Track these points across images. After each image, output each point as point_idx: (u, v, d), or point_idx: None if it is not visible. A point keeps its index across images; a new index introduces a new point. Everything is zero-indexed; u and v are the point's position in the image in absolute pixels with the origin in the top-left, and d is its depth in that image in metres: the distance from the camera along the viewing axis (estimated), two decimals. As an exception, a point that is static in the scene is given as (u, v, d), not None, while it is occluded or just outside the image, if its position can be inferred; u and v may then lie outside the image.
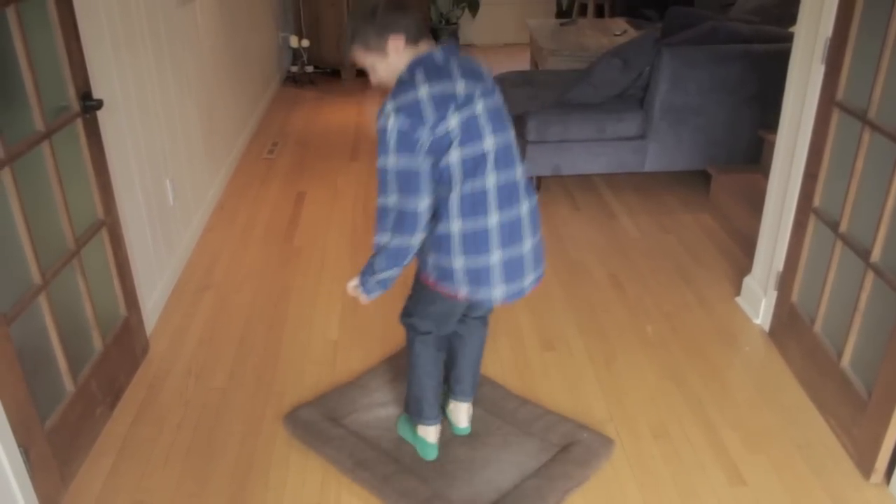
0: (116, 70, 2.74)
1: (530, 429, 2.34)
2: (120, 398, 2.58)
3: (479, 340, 2.25)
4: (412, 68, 1.77)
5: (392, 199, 1.77)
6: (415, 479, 2.16)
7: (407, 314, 2.16)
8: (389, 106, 1.72)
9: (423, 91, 1.72)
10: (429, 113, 1.71)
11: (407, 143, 1.71)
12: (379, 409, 2.49)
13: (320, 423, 2.40)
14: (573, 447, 2.25)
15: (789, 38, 2.73)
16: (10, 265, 2.01)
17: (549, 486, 2.12)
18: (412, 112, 1.70)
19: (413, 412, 2.27)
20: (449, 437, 2.35)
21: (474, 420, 2.38)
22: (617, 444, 2.34)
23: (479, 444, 2.32)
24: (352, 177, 4.49)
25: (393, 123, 1.71)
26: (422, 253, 1.93)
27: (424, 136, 1.71)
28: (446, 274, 1.91)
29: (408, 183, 1.75)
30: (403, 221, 1.78)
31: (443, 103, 1.72)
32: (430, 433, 2.25)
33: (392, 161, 1.74)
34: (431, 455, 2.26)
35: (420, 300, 2.10)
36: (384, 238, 1.83)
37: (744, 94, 3.90)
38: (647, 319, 3.01)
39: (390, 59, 1.79)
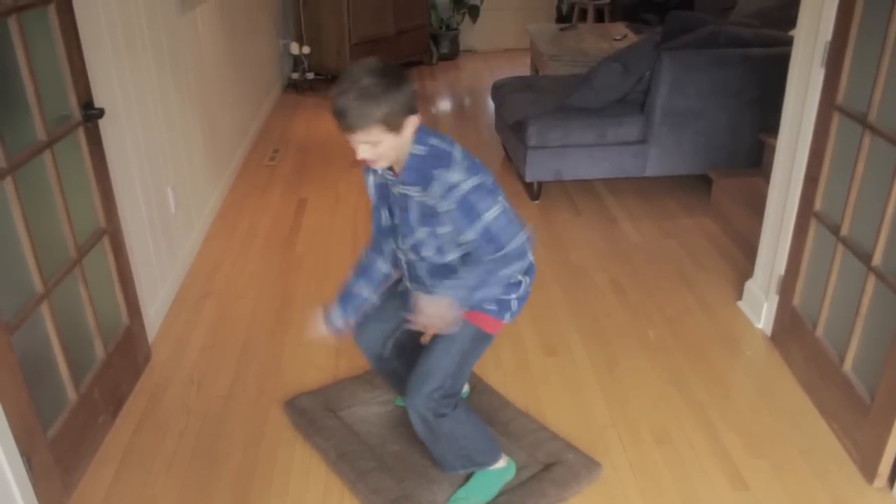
0: (118, 78, 2.75)
1: (520, 443, 2.32)
2: (122, 406, 2.58)
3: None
4: (423, 139, 1.79)
5: (519, 237, 1.80)
6: (390, 479, 2.18)
7: (447, 395, 1.96)
8: (453, 176, 1.74)
9: (458, 149, 1.81)
10: (477, 165, 1.80)
11: (492, 190, 1.78)
12: (378, 405, 2.51)
13: (317, 411, 2.45)
14: (556, 466, 2.22)
15: (789, 42, 2.74)
16: (12, 274, 2.02)
17: (519, 502, 2.10)
18: (475, 168, 1.78)
19: (481, 462, 2.13)
20: None
21: None
22: (619, 450, 2.34)
23: None
24: (353, 183, 4.49)
25: (471, 182, 1.74)
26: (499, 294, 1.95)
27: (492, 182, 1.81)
28: (522, 298, 1.98)
29: (514, 216, 1.81)
30: (529, 245, 1.82)
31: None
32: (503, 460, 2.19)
33: (497, 207, 1.77)
34: (513, 470, 2.20)
35: (466, 359, 1.99)
36: (511, 270, 1.82)
37: (744, 98, 3.90)
38: (648, 324, 3.01)
39: (404, 136, 1.74)
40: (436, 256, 1.89)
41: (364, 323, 2.14)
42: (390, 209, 1.96)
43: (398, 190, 1.86)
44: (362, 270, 2.10)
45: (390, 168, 1.84)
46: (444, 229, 1.82)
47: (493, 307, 1.94)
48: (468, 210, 1.75)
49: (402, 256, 2.00)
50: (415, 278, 2.00)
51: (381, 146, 1.71)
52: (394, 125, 1.69)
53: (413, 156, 1.78)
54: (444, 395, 1.95)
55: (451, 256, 1.89)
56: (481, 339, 1.99)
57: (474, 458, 2.11)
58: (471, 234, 1.78)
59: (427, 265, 1.93)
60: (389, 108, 1.66)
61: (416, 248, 1.91)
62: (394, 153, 1.76)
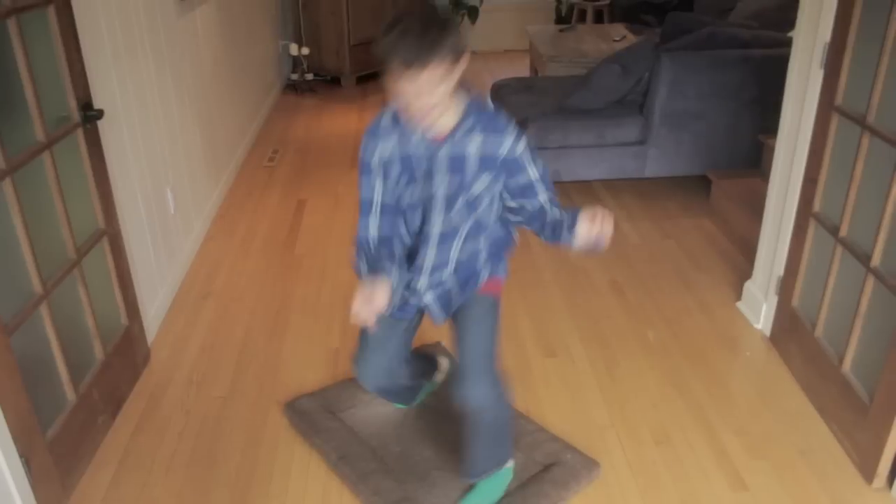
0: (117, 80, 2.75)
1: (518, 444, 2.31)
2: (121, 407, 2.58)
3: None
4: (462, 91, 1.74)
5: None
6: (391, 480, 2.18)
7: (497, 379, 1.95)
8: (514, 129, 1.79)
9: None
10: None
11: None
12: (378, 406, 2.50)
13: (317, 413, 2.45)
14: (555, 467, 2.22)
15: (788, 43, 2.74)
16: (11, 275, 2.02)
17: None
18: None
19: (506, 457, 2.16)
20: (440, 441, 2.35)
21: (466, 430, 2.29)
22: (618, 451, 2.34)
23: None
24: (352, 185, 4.47)
25: (525, 138, 1.81)
26: (503, 251, 1.99)
27: None
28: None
29: None
30: None
31: None
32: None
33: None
34: (511, 471, 2.20)
35: (496, 331, 1.98)
36: None
37: (743, 99, 3.91)
38: (648, 325, 3.01)
39: (456, 73, 1.65)
40: (485, 213, 1.85)
41: (364, 359, 2.02)
42: (423, 180, 1.81)
43: (447, 151, 1.76)
44: (381, 254, 1.88)
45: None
46: (500, 179, 1.81)
47: (502, 269, 2.00)
48: (532, 155, 1.80)
49: (430, 239, 1.85)
50: (438, 266, 1.88)
51: (441, 88, 1.62)
52: (456, 59, 1.62)
53: (470, 104, 1.75)
54: (500, 383, 1.97)
55: (493, 219, 1.88)
56: (498, 306, 2.00)
57: (508, 447, 2.13)
58: (534, 173, 1.80)
59: (468, 239, 1.86)
60: (453, 37, 1.60)
61: (470, 206, 1.81)
62: (446, 102, 1.68)
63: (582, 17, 7.67)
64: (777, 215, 2.81)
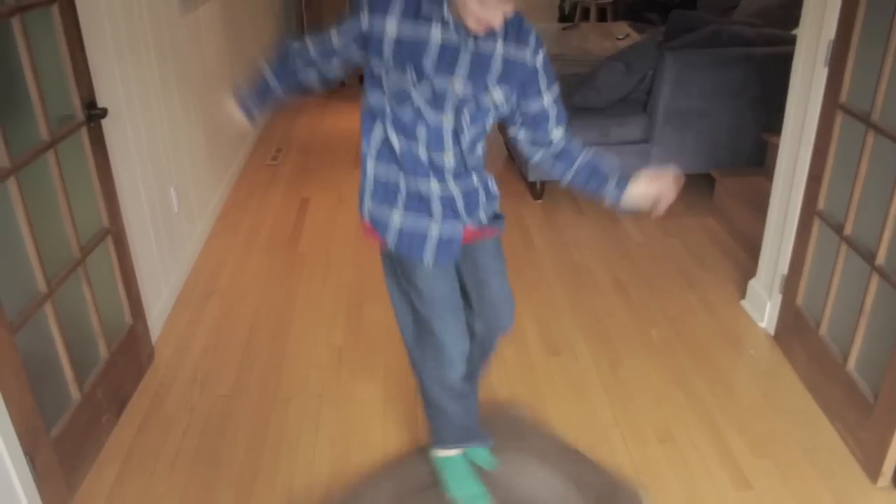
0: (121, 79, 2.75)
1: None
2: (126, 406, 2.58)
3: None
4: None
5: None
6: None
7: None
8: (537, 37, 1.74)
9: None
10: None
11: None
12: None
13: None
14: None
15: (792, 41, 2.73)
16: (15, 274, 2.02)
17: None
18: None
19: None
20: None
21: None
22: (622, 450, 2.34)
23: None
24: (356, 183, 4.47)
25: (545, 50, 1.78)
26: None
27: None
28: None
29: None
30: None
31: None
32: None
33: None
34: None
35: None
36: None
37: (747, 97, 3.90)
38: (651, 324, 3.01)
39: None
40: (480, 134, 1.79)
41: (452, 335, 1.94)
42: (437, 74, 1.67)
43: (475, 47, 1.66)
44: (284, 70, 1.89)
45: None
46: (513, 96, 1.76)
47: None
48: (551, 68, 1.78)
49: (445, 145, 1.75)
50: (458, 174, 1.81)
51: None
52: None
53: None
54: None
55: (483, 138, 1.83)
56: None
57: None
58: (547, 98, 1.78)
59: (469, 152, 1.80)
60: None
61: (476, 117, 1.73)
62: None
63: (585, 16, 7.67)
64: (781, 213, 2.80)
